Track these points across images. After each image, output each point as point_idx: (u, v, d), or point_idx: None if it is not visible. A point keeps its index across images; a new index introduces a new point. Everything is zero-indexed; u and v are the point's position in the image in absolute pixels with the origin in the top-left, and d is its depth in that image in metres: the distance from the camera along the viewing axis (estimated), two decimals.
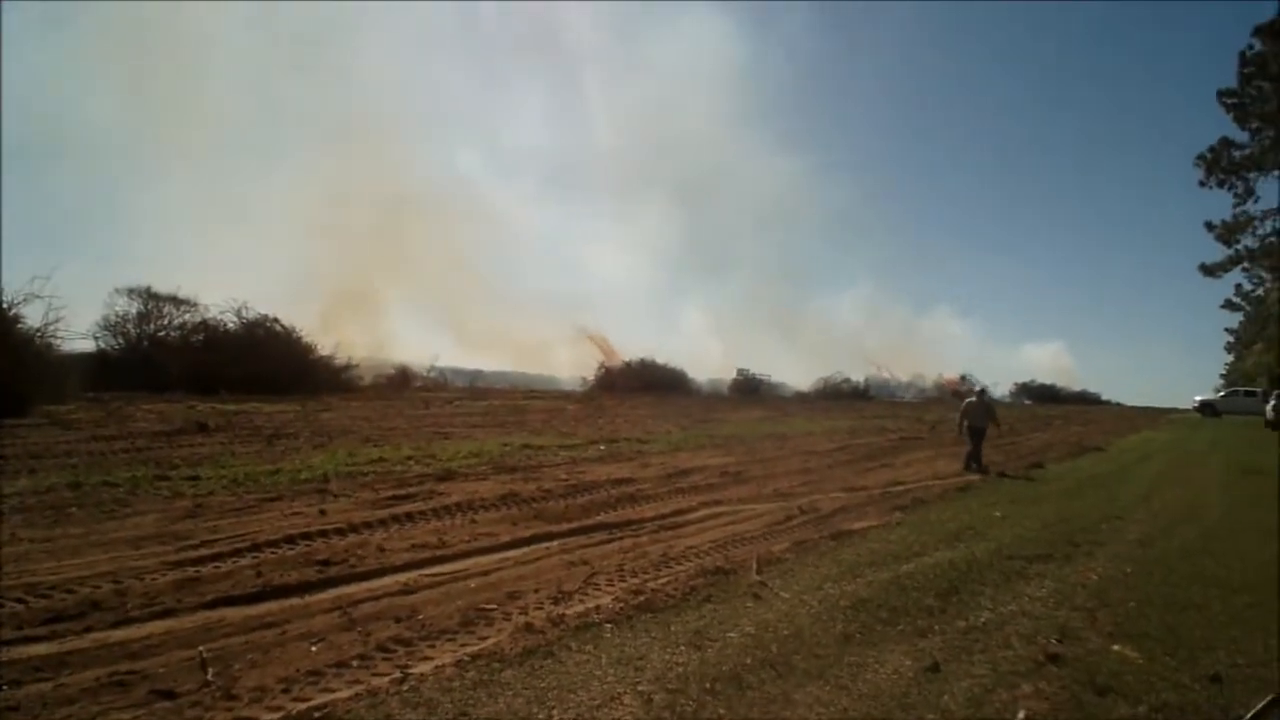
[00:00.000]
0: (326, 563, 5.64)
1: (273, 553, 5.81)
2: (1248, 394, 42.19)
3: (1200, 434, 27.78)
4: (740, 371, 46.07)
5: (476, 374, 37.86)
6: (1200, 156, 36.85)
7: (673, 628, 4.54)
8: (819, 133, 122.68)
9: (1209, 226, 37.80)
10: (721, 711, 3.41)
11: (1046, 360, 75.71)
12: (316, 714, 3.28)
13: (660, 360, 39.76)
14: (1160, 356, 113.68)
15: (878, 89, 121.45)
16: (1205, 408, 44.19)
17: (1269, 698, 3.49)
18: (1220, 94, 35.06)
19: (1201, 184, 37.00)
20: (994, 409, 14.57)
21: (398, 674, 3.77)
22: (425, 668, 3.88)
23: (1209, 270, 39.19)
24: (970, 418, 13.97)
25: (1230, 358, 57.20)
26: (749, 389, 44.53)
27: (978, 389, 15.41)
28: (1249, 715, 3.37)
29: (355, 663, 3.95)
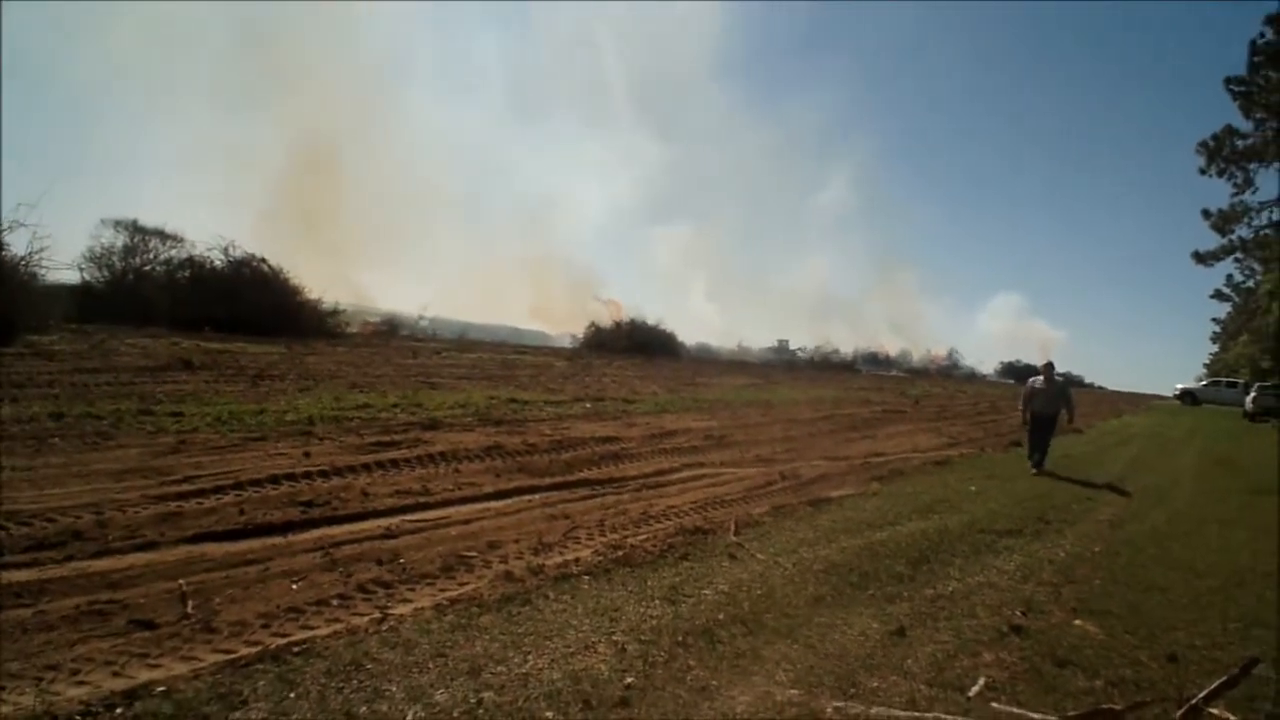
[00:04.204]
0: (310, 504, 5.68)
1: (256, 491, 5.84)
2: (1229, 385, 42.68)
3: (1179, 421, 28.20)
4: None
5: (466, 326, 37.73)
6: (1202, 143, 36.76)
7: (649, 583, 4.63)
8: (822, 80, 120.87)
9: (1205, 214, 37.88)
10: (692, 663, 3.50)
11: (1037, 335, 76.61)
12: (295, 649, 3.34)
13: (650, 322, 39.79)
14: (1146, 342, 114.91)
15: (881, 50, 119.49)
16: (1186, 396, 44.72)
17: (1222, 678, 3.63)
18: (1228, 81, 34.84)
19: (1202, 171, 36.97)
20: (1070, 393, 11.27)
21: (377, 614, 3.84)
22: (405, 609, 3.95)
23: (1202, 258, 39.40)
24: (1037, 403, 10.90)
25: (1215, 348, 57.80)
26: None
27: (1047, 367, 11.23)
28: (1202, 694, 3.51)
29: (335, 602, 4.02)
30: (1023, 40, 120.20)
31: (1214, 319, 55.30)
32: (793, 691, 3.30)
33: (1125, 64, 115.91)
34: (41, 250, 14.69)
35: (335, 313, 24.20)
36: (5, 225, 13.92)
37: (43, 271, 15.16)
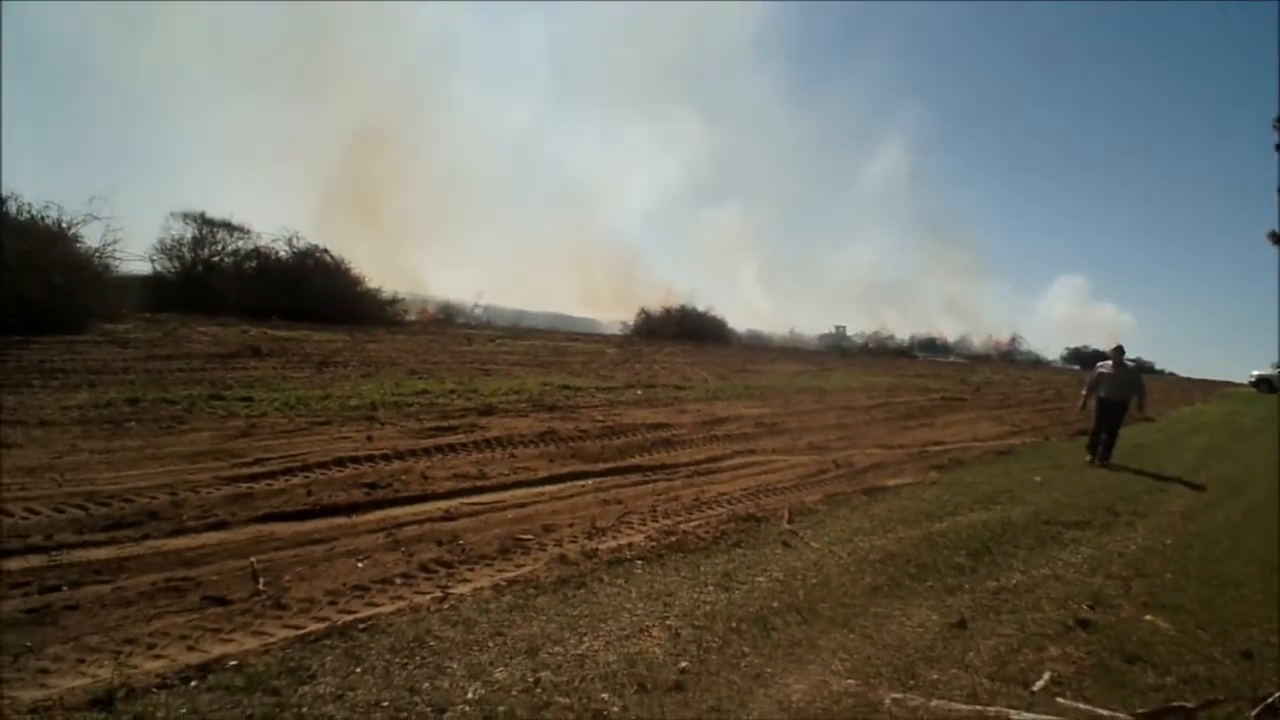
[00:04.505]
0: (373, 485, 5.84)
1: (322, 473, 6.03)
2: None
3: (1254, 409, 26.89)
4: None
5: (520, 314, 38.16)
6: (1279, 119, 34.79)
7: (702, 568, 4.64)
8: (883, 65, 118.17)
9: None
10: (745, 649, 3.50)
11: (1103, 320, 74.00)
12: (361, 625, 3.45)
13: (701, 308, 39.62)
14: (1220, 327, 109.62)
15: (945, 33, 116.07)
16: (1262, 383, 42.56)
17: None
18: None
19: (1278, 148, 35.01)
20: (1141, 379, 10.54)
21: (438, 593, 3.94)
22: (464, 589, 4.04)
23: (1278, 238, 37.37)
24: (1104, 388, 10.15)
25: None
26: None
27: (1117, 350, 10.41)
28: (1278, 693, 3.36)
29: (399, 580, 4.13)
30: (1093, 9, 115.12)
31: None
32: (849, 681, 3.27)
33: (1199, 35, 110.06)
34: (114, 242, 15.36)
35: (394, 301, 24.76)
36: (79, 219, 14.56)
37: (116, 263, 15.83)
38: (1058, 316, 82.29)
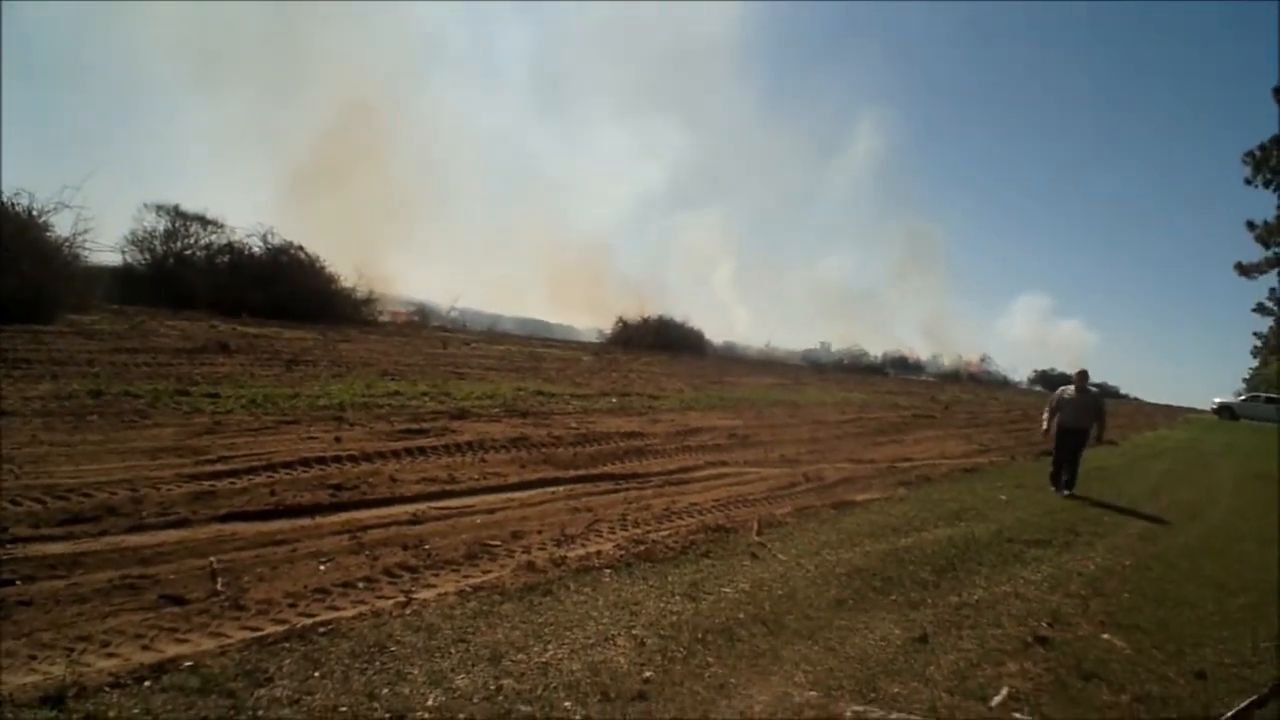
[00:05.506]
0: (339, 487, 5.77)
1: (287, 473, 5.95)
2: (1268, 400, 41.59)
3: (1215, 435, 27.53)
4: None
5: (496, 319, 37.99)
6: (1249, 154, 35.73)
7: (670, 578, 4.64)
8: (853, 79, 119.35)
9: (1250, 226, 36.83)
10: (710, 660, 3.50)
11: (1067, 338, 75.35)
12: (321, 629, 3.40)
13: (678, 319, 39.74)
14: (1184, 354, 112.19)
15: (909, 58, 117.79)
16: (1223, 410, 43.63)
17: (1251, 697, 3.55)
18: (1276, 91, 33.82)
19: (1247, 182, 35.92)
20: (1103, 405, 10.21)
21: (402, 598, 3.90)
22: (429, 594, 4.01)
23: (1245, 270, 38.32)
24: (1065, 414, 9.81)
25: (1255, 362, 56.22)
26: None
27: (1081, 375, 10.03)
28: (1230, 713, 3.44)
29: (361, 584, 4.08)
30: (1059, 36, 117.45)
31: (1255, 333, 53.70)
32: (811, 693, 3.29)
33: (1167, 66, 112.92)
34: (85, 232, 14.99)
35: (369, 301, 24.50)
36: (50, 207, 14.26)
37: (85, 253, 15.47)
38: (1020, 336, 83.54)
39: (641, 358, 28.07)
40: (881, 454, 11.64)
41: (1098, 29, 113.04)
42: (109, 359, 9.90)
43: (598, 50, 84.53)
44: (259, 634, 3.33)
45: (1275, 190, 35.24)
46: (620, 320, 38.39)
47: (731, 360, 40.09)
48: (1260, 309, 44.77)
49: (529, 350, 23.58)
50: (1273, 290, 42.51)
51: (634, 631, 3.75)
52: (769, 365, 40.65)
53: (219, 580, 3.88)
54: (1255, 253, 37.64)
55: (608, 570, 4.68)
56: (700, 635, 3.77)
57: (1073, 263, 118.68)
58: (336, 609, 3.73)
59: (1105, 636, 4.47)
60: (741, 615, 4.12)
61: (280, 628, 3.41)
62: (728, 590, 4.53)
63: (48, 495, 4.76)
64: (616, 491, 7.00)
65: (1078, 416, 9.75)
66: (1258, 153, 35.43)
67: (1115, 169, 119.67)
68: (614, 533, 5.66)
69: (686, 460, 8.91)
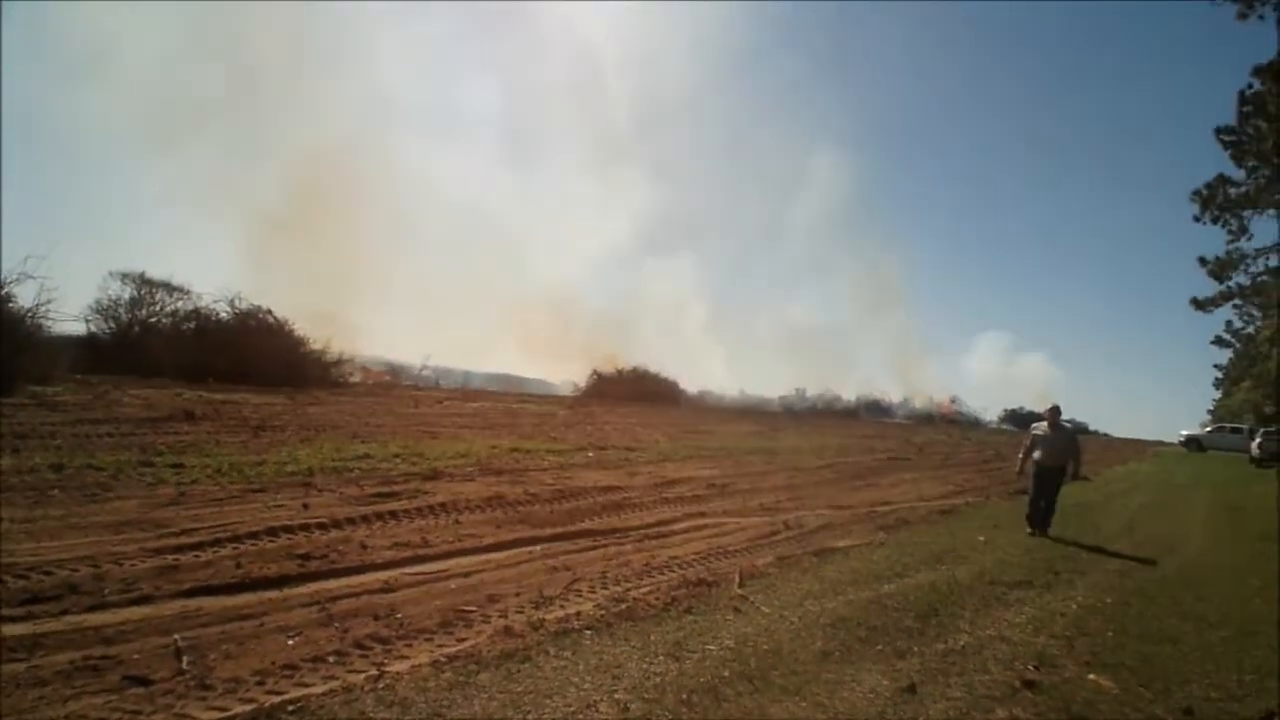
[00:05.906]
0: (307, 557, 5.61)
1: (253, 544, 5.78)
2: (1234, 430, 42.44)
3: (1184, 468, 27.95)
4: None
5: (468, 375, 37.79)
6: (1196, 192, 37.15)
7: (652, 637, 4.54)
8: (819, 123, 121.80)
9: (1202, 261, 38.06)
10: None
11: (1031, 374, 76.58)
12: (290, 708, 3.26)
13: (652, 369, 39.90)
14: (1148, 389, 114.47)
15: (871, 94, 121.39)
16: (1191, 442, 44.41)
17: None
18: (1218, 131, 35.36)
19: (1196, 219, 37.23)
20: (1078, 442, 9.97)
21: (374, 671, 3.76)
22: (402, 666, 3.87)
23: (1200, 304, 39.43)
24: (1041, 453, 9.60)
25: (1218, 394, 57.52)
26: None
27: (1053, 411, 10.00)
28: None
29: (331, 658, 3.94)
30: (1018, 73, 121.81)
31: (1215, 364, 55.09)
32: None
33: (1118, 108, 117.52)
34: (48, 302, 14.83)
35: (339, 362, 24.26)
36: (12, 278, 14.07)
37: (49, 323, 15.25)
38: (986, 372, 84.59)
39: (617, 409, 28.01)
40: (860, 498, 11.63)
41: (1054, 68, 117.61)
42: (71, 431, 9.66)
43: (562, 106, 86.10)
44: (226, 714, 3.20)
45: (1223, 226, 36.54)
46: (595, 372, 38.46)
47: (706, 409, 40.16)
48: (1219, 341, 45.98)
49: (503, 406, 23.43)
50: (1229, 323, 43.79)
51: (616, 696, 3.64)
52: (745, 412, 40.76)
53: (184, 659, 3.73)
54: (1210, 287, 38.83)
55: (588, 631, 4.57)
56: (685, 697, 3.68)
57: (1032, 301, 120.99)
58: (306, 685, 3.58)
59: (1092, 677, 4.44)
60: (726, 673, 4.03)
61: (248, 707, 3.27)
62: (712, 647, 4.44)
63: (7, 574, 4.59)
64: (595, 548, 6.89)
65: (1053, 454, 9.58)
66: (1204, 191, 36.82)
67: (1069, 208, 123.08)
68: (594, 591, 5.54)
69: (665, 513, 8.82)
